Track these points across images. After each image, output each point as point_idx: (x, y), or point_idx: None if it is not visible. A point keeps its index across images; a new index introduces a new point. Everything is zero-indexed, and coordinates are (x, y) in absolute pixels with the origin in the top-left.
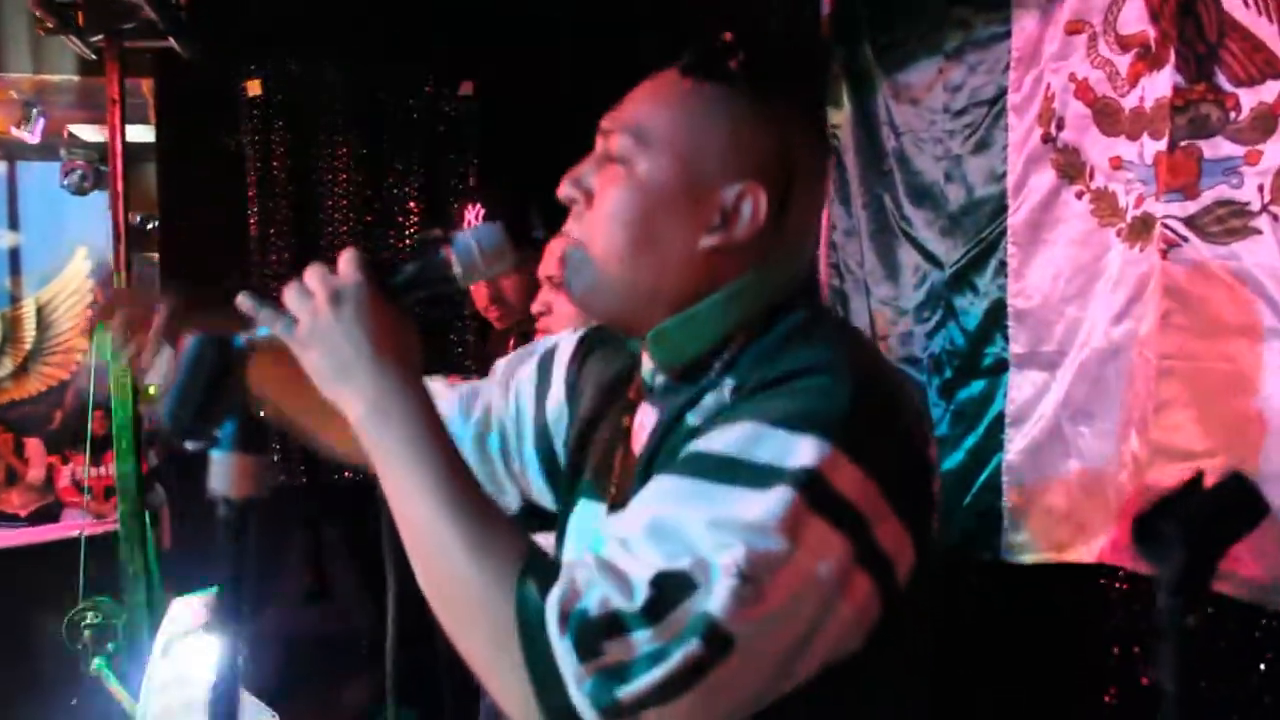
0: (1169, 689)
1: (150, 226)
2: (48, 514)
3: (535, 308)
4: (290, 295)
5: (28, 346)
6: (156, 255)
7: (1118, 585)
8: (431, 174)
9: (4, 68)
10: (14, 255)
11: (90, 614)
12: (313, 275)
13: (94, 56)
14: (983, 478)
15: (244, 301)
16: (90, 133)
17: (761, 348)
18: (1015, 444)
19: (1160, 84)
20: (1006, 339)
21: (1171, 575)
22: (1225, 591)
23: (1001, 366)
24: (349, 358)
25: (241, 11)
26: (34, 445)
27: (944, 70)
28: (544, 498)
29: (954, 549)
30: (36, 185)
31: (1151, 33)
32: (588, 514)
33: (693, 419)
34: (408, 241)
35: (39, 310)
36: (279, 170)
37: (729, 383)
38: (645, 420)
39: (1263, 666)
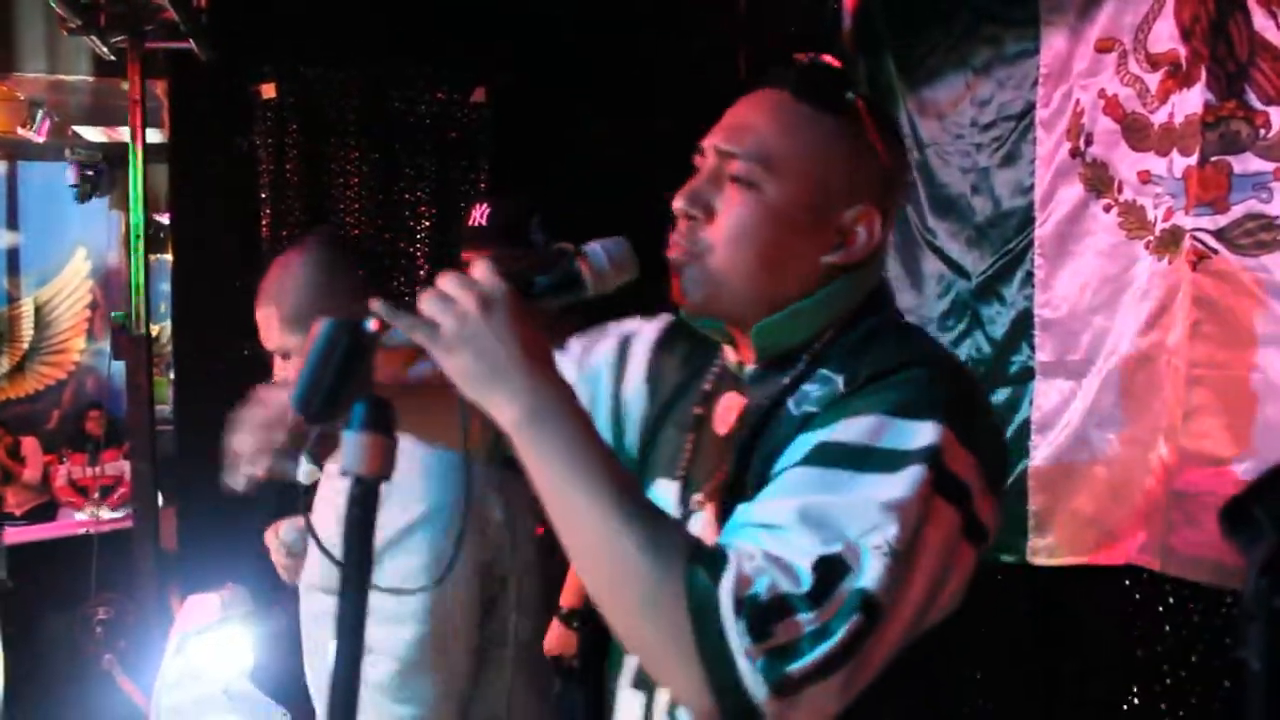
0: (1255, 667)
1: (151, 230)
2: (43, 513)
3: (271, 347)
4: (429, 302)
5: (25, 346)
6: (159, 257)
7: (1143, 588)
8: (443, 180)
9: (19, 67)
10: (13, 255)
11: (102, 610)
12: (452, 282)
13: (113, 57)
14: (1008, 483)
15: (379, 307)
16: (94, 134)
17: (850, 342)
18: (1041, 450)
19: (1191, 101)
20: (1033, 348)
21: (1261, 557)
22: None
23: (1027, 374)
24: (502, 362)
25: (258, 15)
26: (31, 444)
27: (971, 85)
28: None
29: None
30: (37, 185)
31: (1182, 51)
32: (664, 493)
33: (796, 407)
34: (417, 246)
35: (37, 310)
36: (291, 173)
37: (836, 375)
38: (730, 404)
39: None
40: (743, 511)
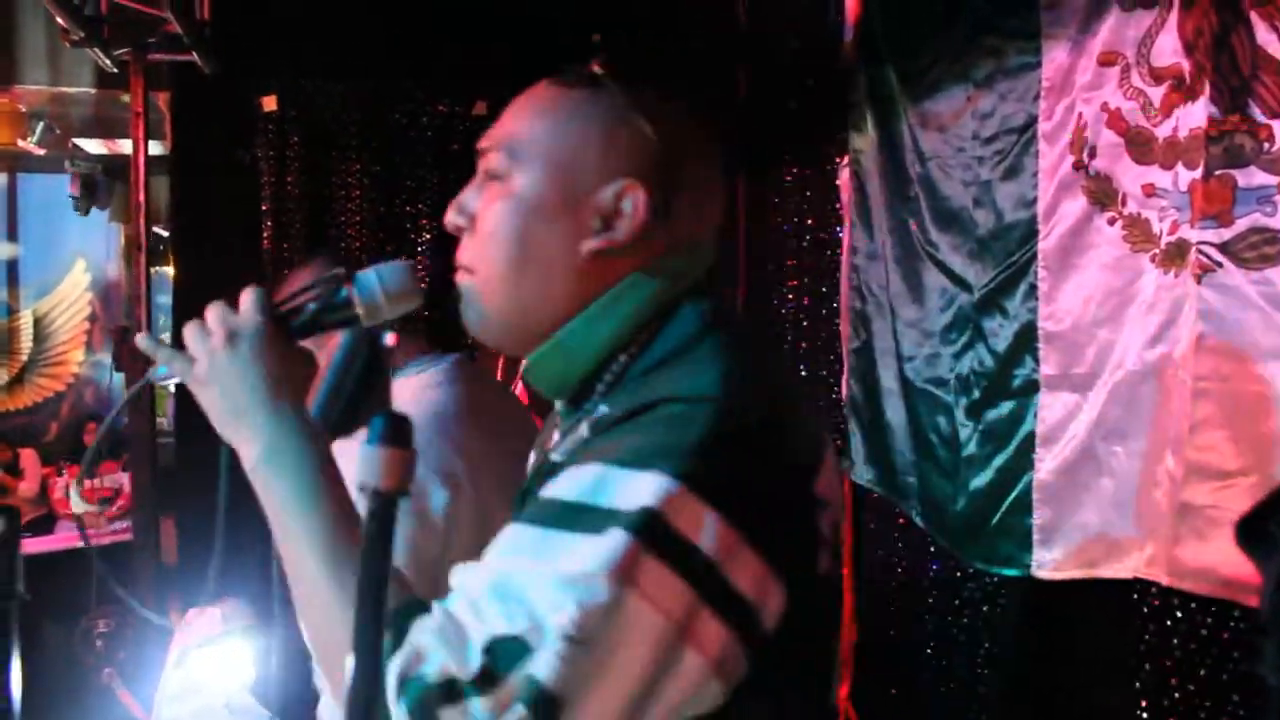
0: (1273, 682)
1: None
2: (42, 525)
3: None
4: (190, 334)
5: (24, 358)
6: (158, 269)
7: (1150, 601)
8: (444, 193)
9: (20, 79)
10: (12, 267)
11: (102, 623)
12: (213, 314)
13: (115, 70)
14: (1011, 496)
15: (142, 341)
16: (94, 145)
17: (650, 361)
18: (1046, 463)
19: (1195, 114)
20: (1037, 360)
21: (1277, 572)
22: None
23: (1031, 387)
24: (243, 400)
25: (261, 27)
26: (29, 456)
27: (973, 98)
28: None
29: (982, 566)
30: (36, 197)
31: (1186, 65)
32: None
33: (557, 454)
34: (418, 260)
35: (36, 322)
36: (293, 186)
37: (600, 410)
38: (550, 447)
39: None
40: (456, 572)
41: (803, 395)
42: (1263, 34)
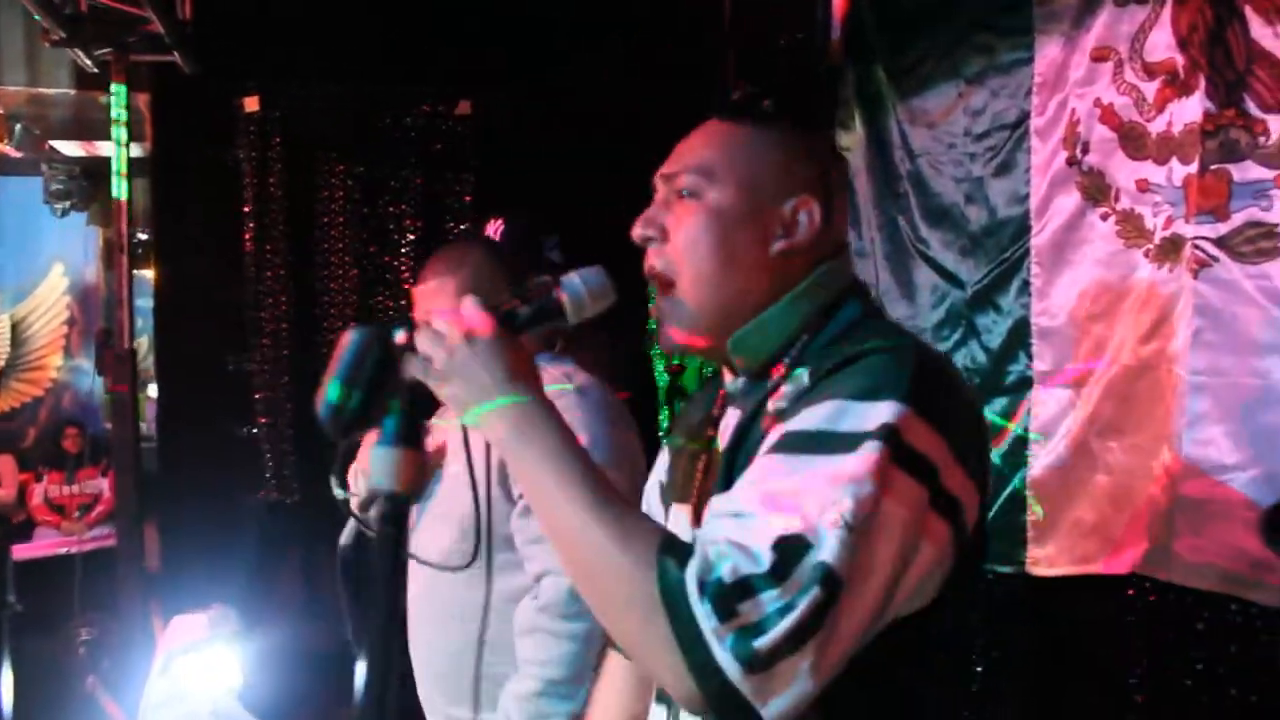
0: None
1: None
2: (20, 533)
3: None
4: (424, 339)
5: (1, 363)
6: (138, 271)
7: (1148, 596)
8: (428, 192)
9: None
10: None
11: (85, 630)
12: (442, 320)
13: (96, 70)
14: (1006, 493)
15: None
16: (71, 147)
17: (825, 339)
18: (1040, 459)
19: (1190, 109)
20: (1030, 356)
21: None
22: (1261, 601)
23: (1025, 383)
24: (488, 386)
25: (243, 28)
26: (5, 462)
27: (964, 94)
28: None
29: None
30: (13, 200)
31: (1180, 60)
32: (678, 519)
33: (772, 406)
34: (402, 260)
35: (13, 326)
36: (275, 187)
37: (804, 371)
38: (730, 422)
39: None
40: (713, 503)
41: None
42: (1257, 28)
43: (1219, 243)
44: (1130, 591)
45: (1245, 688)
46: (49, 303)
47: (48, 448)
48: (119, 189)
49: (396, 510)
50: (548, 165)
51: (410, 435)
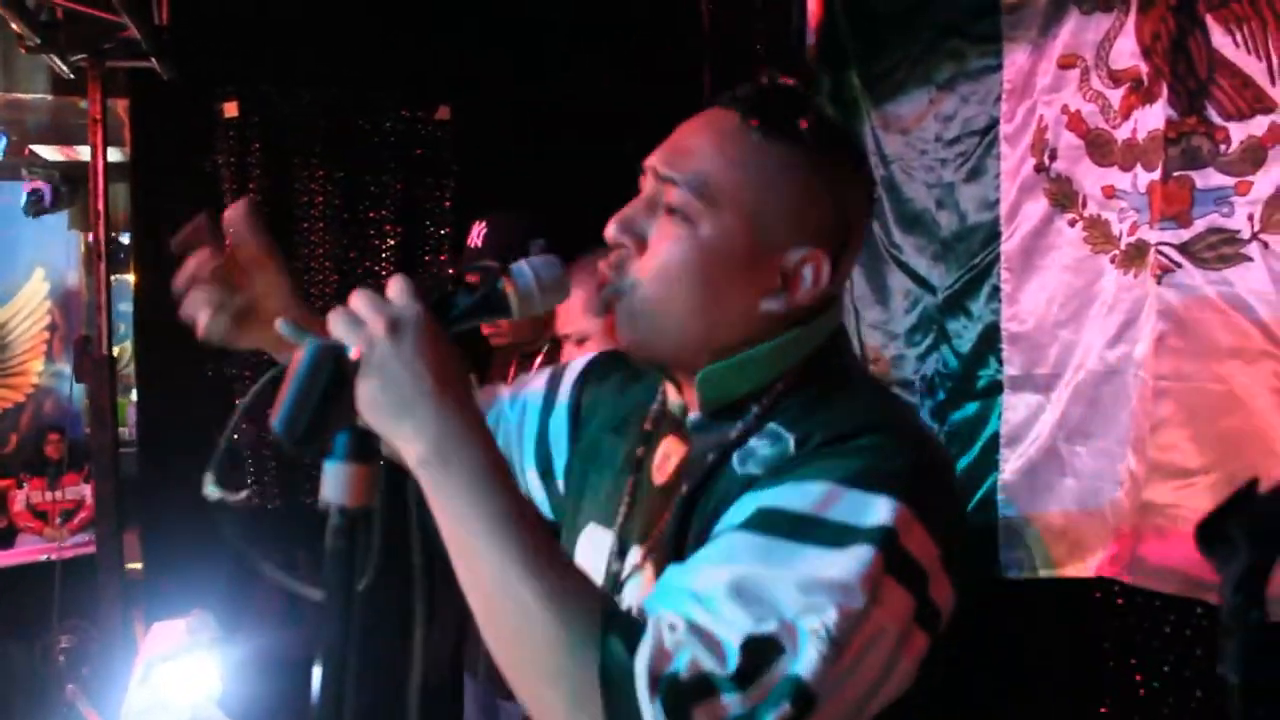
0: (1234, 681)
1: (109, 249)
2: (3, 539)
3: (568, 330)
4: (337, 322)
5: None
6: (119, 276)
7: (1115, 599)
8: (408, 197)
9: None
10: None
11: (65, 638)
12: (363, 301)
13: (72, 76)
14: (977, 496)
15: (281, 326)
16: (51, 152)
17: (805, 396)
18: (1011, 463)
19: (1153, 117)
20: (1000, 361)
21: (1236, 574)
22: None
23: (995, 388)
24: (410, 393)
25: (220, 33)
26: None
27: (935, 101)
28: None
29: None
30: None
31: (1144, 68)
32: (598, 540)
33: (741, 465)
34: (382, 265)
35: None
36: (255, 192)
37: (787, 433)
38: (671, 452)
39: None
40: (673, 574)
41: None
42: (1218, 37)
43: (1182, 249)
44: (1097, 594)
45: (1211, 690)
46: (30, 308)
47: (30, 454)
48: (97, 195)
49: (349, 524)
50: (527, 170)
51: (362, 450)
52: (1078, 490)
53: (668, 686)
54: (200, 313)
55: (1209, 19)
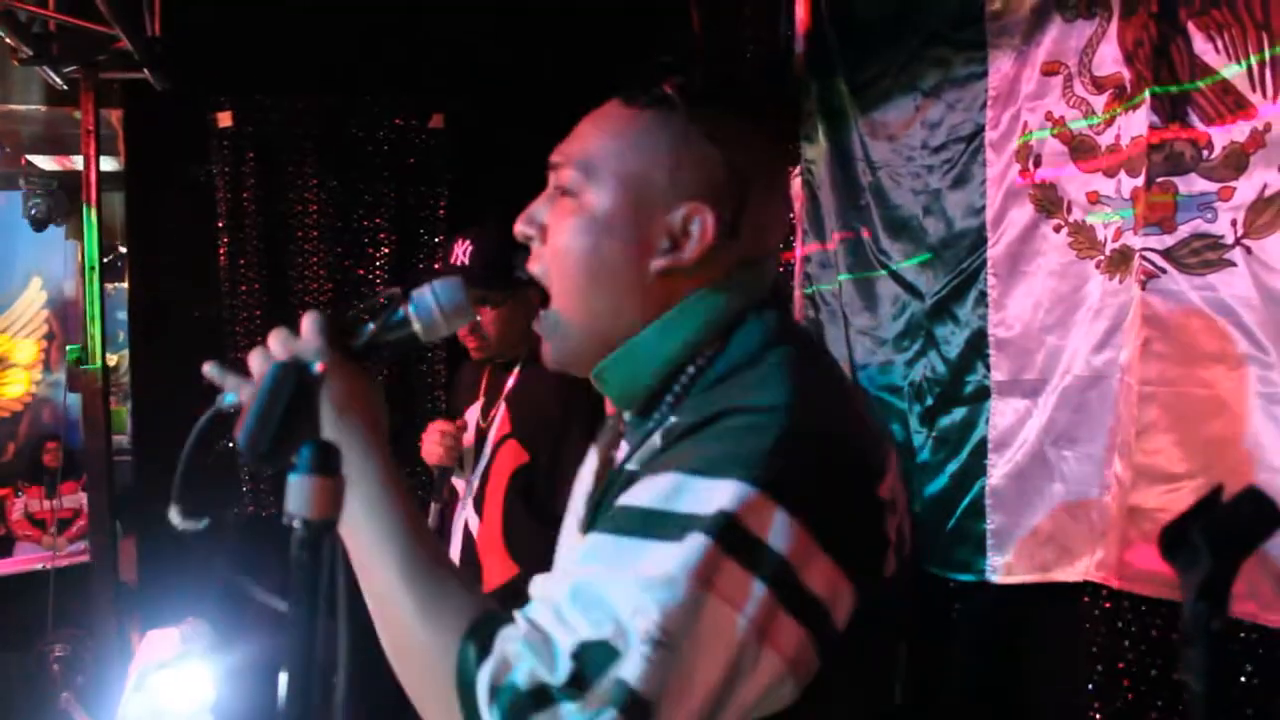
0: (1197, 689)
1: (109, 258)
2: (1, 548)
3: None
4: (254, 360)
5: None
6: (113, 286)
7: (1102, 604)
8: (402, 206)
9: None
10: None
11: (59, 646)
12: (275, 339)
13: (65, 87)
14: (965, 502)
15: (209, 370)
16: (47, 162)
17: (709, 379)
18: (998, 469)
19: (1136, 123)
20: (988, 367)
21: (1198, 581)
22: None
23: (983, 394)
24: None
25: (214, 43)
26: None
27: (921, 107)
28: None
29: (938, 571)
30: None
31: (1126, 74)
32: (572, 546)
33: (631, 463)
34: (376, 273)
35: None
36: (249, 202)
37: (670, 420)
38: (620, 456)
39: (1243, 679)
40: (536, 583)
41: (867, 403)
42: (1199, 44)
43: (1166, 254)
44: (1085, 599)
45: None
46: (27, 317)
47: (27, 463)
48: (89, 206)
49: (312, 537)
50: (521, 178)
51: (325, 464)
52: (1065, 495)
53: (506, 696)
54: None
55: (1190, 25)
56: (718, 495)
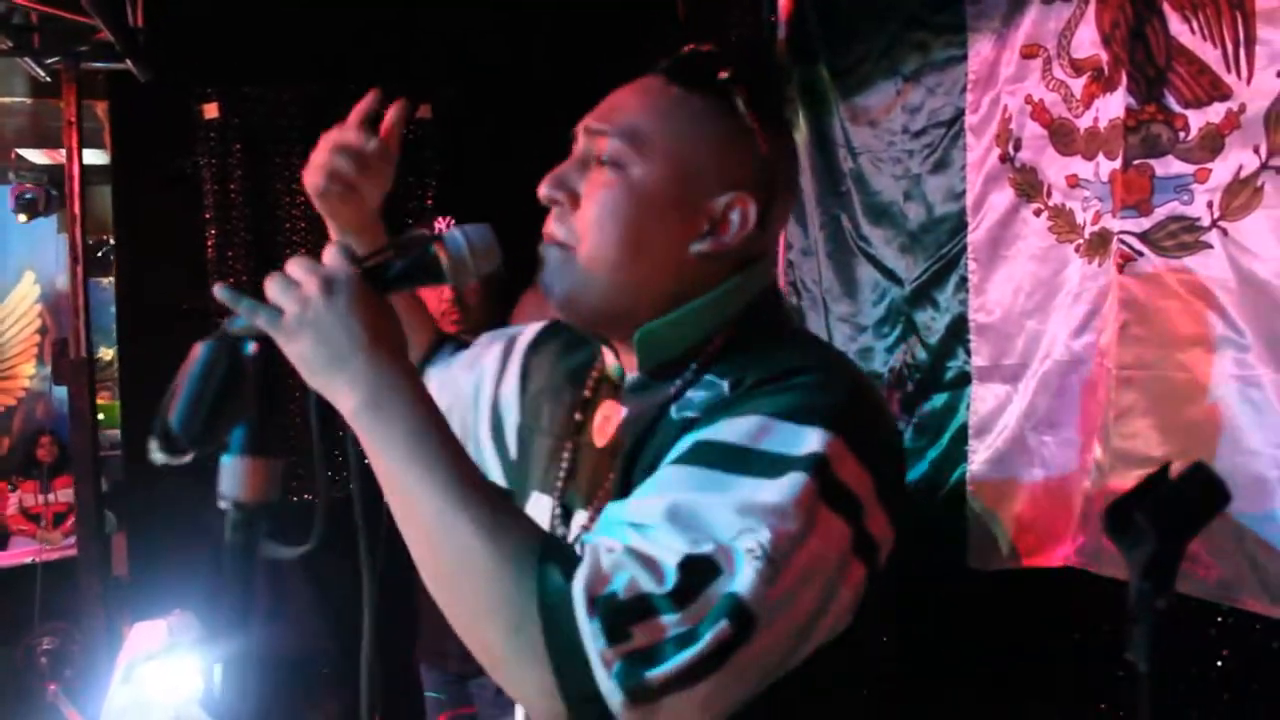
0: (1142, 668)
1: (100, 252)
2: None
3: None
4: (273, 286)
5: None
6: (106, 279)
7: (1084, 589)
8: (389, 196)
9: None
10: None
11: (47, 640)
12: (299, 266)
13: (48, 79)
14: (947, 488)
15: (221, 292)
16: (38, 156)
17: (739, 347)
18: (979, 455)
19: (1113, 105)
20: (968, 352)
21: (1143, 560)
22: (1183, 590)
23: (963, 379)
24: (344, 347)
25: (198, 34)
26: None
27: (902, 92)
28: (493, 476)
29: (919, 558)
30: None
31: (1104, 56)
32: (541, 507)
33: (679, 414)
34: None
35: None
36: (236, 193)
37: (722, 380)
38: (612, 415)
39: (1220, 663)
40: (611, 509)
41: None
42: (1176, 25)
43: (1142, 237)
44: (1067, 584)
45: (1175, 676)
46: (20, 311)
47: (21, 457)
48: (73, 198)
49: (246, 518)
50: (508, 167)
51: (259, 444)
52: (1045, 480)
53: (606, 606)
54: (319, 172)
55: (1166, 6)
56: (808, 440)
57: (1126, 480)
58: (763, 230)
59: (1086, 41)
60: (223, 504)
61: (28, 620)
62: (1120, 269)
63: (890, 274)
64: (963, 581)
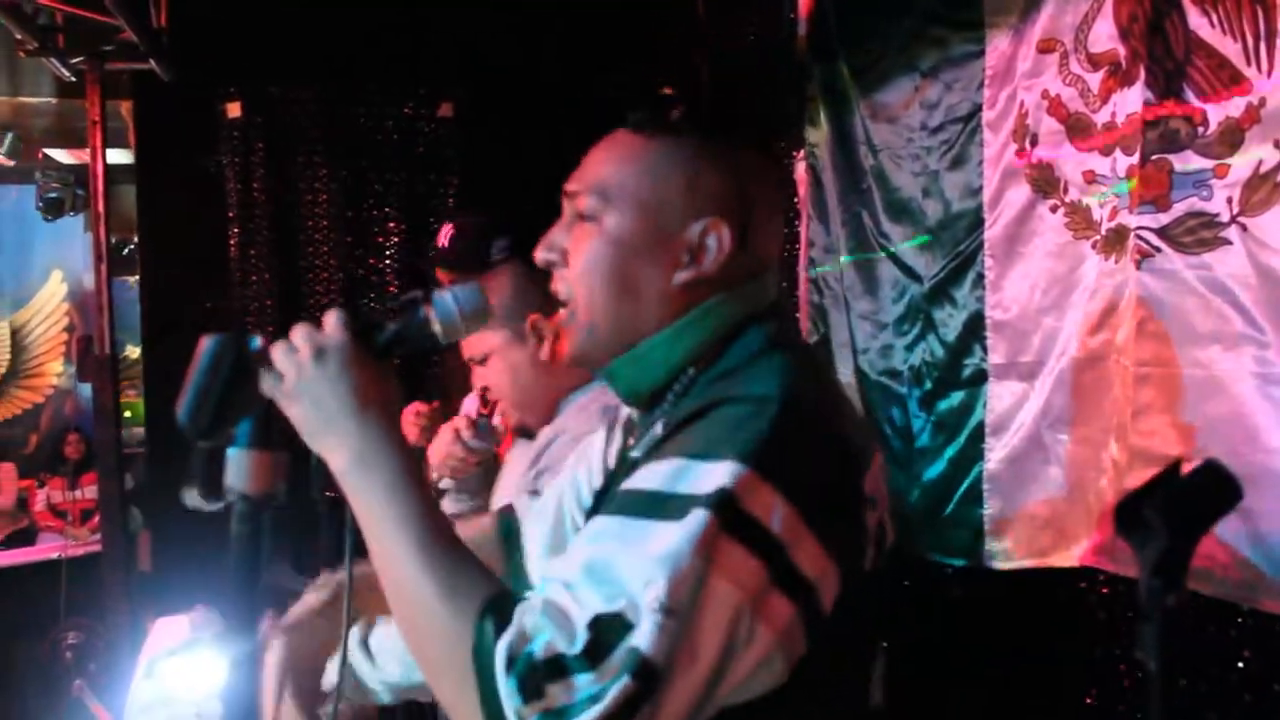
0: (1152, 666)
1: (126, 250)
2: (23, 538)
3: (471, 354)
4: (278, 353)
5: (2, 370)
6: (133, 278)
7: (1100, 589)
8: (411, 194)
9: None
10: None
11: (72, 634)
12: (298, 333)
13: (73, 79)
14: (964, 487)
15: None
16: (64, 155)
17: (714, 374)
18: (996, 453)
19: (1131, 100)
20: (985, 350)
21: (1153, 558)
22: (1204, 591)
23: (980, 377)
24: (333, 410)
25: (221, 34)
26: (5, 470)
27: (920, 88)
28: None
29: (936, 557)
30: (9, 208)
31: (1122, 50)
32: None
33: (636, 451)
34: (386, 262)
35: (13, 333)
36: (259, 192)
37: (672, 413)
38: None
39: (1241, 664)
40: (549, 565)
41: (853, 408)
42: (1195, 18)
43: (1160, 233)
44: (1083, 584)
45: (1196, 677)
46: (48, 309)
47: (49, 454)
48: (97, 197)
49: (250, 511)
50: (529, 166)
51: (264, 438)
52: (1062, 479)
53: (523, 665)
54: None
55: (1185, 0)
56: (716, 475)
57: (1144, 478)
58: (744, 249)
59: (1104, 35)
60: (229, 496)
61: (53, 615)
62: (1138, 265)
63: (909, 271)
64: (978, 582)
